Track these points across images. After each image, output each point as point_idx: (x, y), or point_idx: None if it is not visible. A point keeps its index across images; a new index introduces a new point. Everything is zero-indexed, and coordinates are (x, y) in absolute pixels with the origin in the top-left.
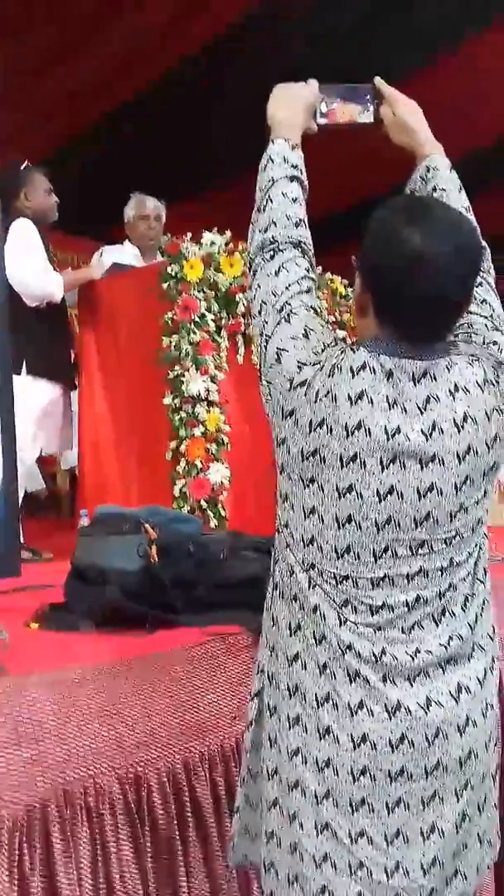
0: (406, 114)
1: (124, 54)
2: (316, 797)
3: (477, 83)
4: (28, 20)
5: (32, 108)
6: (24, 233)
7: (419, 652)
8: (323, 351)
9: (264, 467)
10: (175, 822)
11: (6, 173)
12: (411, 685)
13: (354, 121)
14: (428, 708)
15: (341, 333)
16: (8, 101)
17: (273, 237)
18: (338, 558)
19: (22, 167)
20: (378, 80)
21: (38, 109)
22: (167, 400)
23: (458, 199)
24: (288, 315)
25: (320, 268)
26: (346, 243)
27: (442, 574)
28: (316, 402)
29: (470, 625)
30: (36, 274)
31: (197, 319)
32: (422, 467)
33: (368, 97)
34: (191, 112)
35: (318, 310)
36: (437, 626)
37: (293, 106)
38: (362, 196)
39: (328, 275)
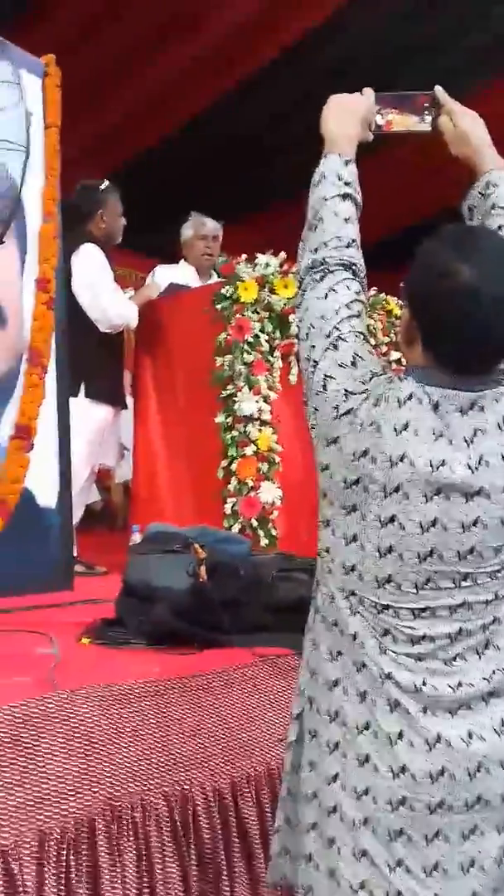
0: (467, 125)
1: (182, 78)
2: (354, 823)
3: None
4: (85, 41)
5: (97, 128)
6: (94, 260)
7: (461, 684)
8: (371, 380)
9: (316, 488)
10: (220, 840)
11: (85, 193)
12: (452, 717)
13: (411, 130)
14: (470, 741)
15: (396, 355)
16: (75, 121)
17: (323, 258)
18: (378, 587)
19: (102, 187)
20: (438, 89)
21: (103, 128)
22: (220, 419)
23: None
24: (336, 341)
25: (375, 288)
26: (404, 263)
27: (486, 606)
28: (360, 431)
29: None
30: (114, 303)
31: (251, 340)
32: (466, 500)
33: (427, 106)
34: (248, 133)
35: (367, 335)
36: (481, 658)
37: (348, 118)
38: (421, 216)
39: (383, 295)
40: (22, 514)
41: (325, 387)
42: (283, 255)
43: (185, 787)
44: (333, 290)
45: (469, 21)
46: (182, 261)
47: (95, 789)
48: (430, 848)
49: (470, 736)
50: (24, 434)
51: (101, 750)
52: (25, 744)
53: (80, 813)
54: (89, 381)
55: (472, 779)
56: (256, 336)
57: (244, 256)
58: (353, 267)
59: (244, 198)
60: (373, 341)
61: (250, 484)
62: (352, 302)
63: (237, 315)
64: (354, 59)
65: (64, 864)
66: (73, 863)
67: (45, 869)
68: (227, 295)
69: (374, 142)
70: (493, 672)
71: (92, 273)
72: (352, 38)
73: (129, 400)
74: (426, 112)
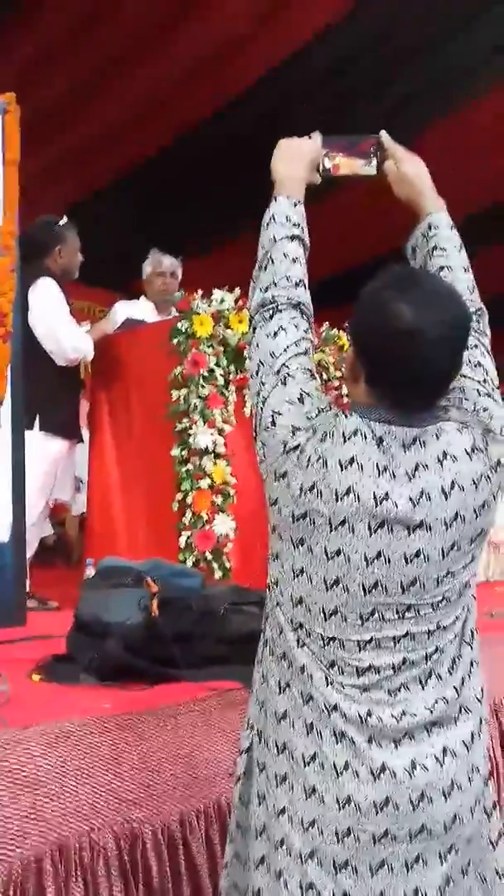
0: (410, 169)
1: (143, 109)
2: (301, 856)
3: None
4: (47, 72)
5: (53, 157)
6: (51, 294)
7: (405, 714)
8: (317, 416)
9: (266, 508)
10: (169, 878)
11: (43, 229)
12: (396, 748)
13: (357, 173)
14: (413, 771)
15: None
16: (30, 151)
17: (273, 297)
18: (325, 620)
19: (61, 223)
20: (383, 134)
21: (59, 159)
22: (175, 451)
23: (457, 259)
24: (285, 378)
25: (328, 323)
26: (350, 300)
27: (429, 637)
28: (307, 466)
29: (456, 687)
30: (70, 336)
31: (206, 374)
32: (409, 533)
33: (372, 150)
34: (204, 170)
35: (314, 372)
36: (423, 688)
37: (296, 161)
38: (375, 253)
39: (335, 331)
40: None
41: (273, 422)
42: (237, 290)
43: (135, 824)
44: (283, 329)
45: (471, 22)
46: (142, 297)
47: (43, 830)
48: (375, 879)
49: (413, 766)
50: None
51: (49, 789)
52: None
53: (26, 853)
54: (45, 414)
55: (416, 808)
56: (211, 370)
57: (200, 292)
58: (301, 306)
59: (211, 230)
60: (325, 376)
61: (205, 517)
62: (300, 340)
63: (193, 349)
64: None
65: None
66: None
67: None
68: (183, 330)
69: (322, 185)
70: (436, 702)
71: (49, 307)
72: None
73: (86, 433)
74: (372, 156)
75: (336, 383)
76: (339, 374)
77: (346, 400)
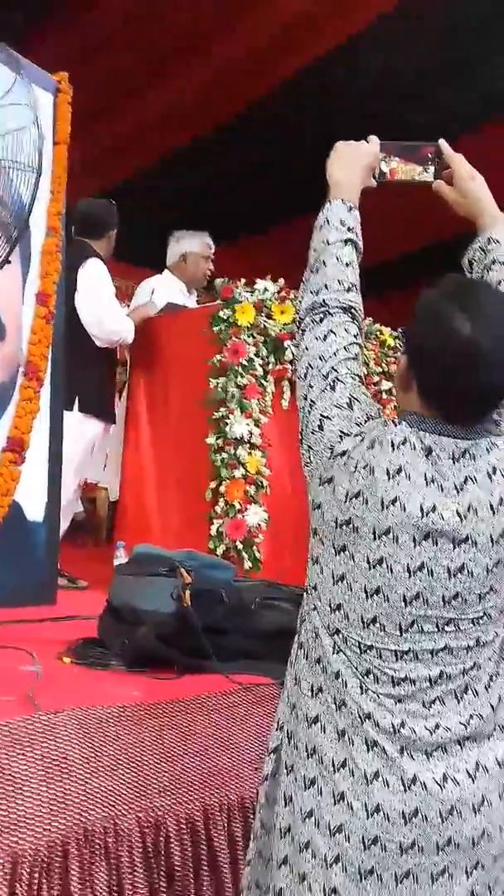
0: (472, 185)
1: (187, 99)
2: (326, 861)
3: None
4: (97, 53)
5: (104, 141)
6: (100, 276)
7: (438, 727)
8: (366, 422)
9: (302, 514)
10: (191, 869)
11: (106, 209)
12: (428, 760)
13: (415, 180)
14: (444, 784)
15: (387, 385)
16: (82, 134)
17: (324, 300)
18: (363, 628)
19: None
20: (442, 143)
21: (108, 143)
22: (210, 440)
23: None
24: (334, 382)
25: (370, 318)
26: (400, 291)
27: (467, 652)
28: (354, 472)
29: (492, 705)
30: (114, 320)
31: (245, 363)
32: (454, 547)
33: (430, 157)
34: (249, 156)
35: (363, 378)
36: (459, 703)
37: (353, 165)
38: (418, 244)
39: (377, 325)
40: (10, 526)
41: (320, 426)
42: (281, 280)
43: (159, 812)
44: (332, 332)
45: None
46: (167, 272)
47: (69, 813)
48: (400, 888)
49: (444, 779)
50: (16, 447)
51: (77, 774)
52: (2, 765)
53: (53, 836)
54: (84, 395)
55: (444, 821)
56: (251, 360)
57: (243, 280)
58: (353, 310)
59: (242, 220)
60: (365, 370)
61: (237, 506)
62: (350, 344)
63: (233, 338)
64: (361, 89)
65: (36, 886)
66: (44, 885)
67: (17, 891)
68: (225, 318)
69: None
70: (471, 717)
71: (97, 289)
72: (359, 66)
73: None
74: (430, 163)
75: (376, 378)
76: (379, 369)
77: (384, 397)
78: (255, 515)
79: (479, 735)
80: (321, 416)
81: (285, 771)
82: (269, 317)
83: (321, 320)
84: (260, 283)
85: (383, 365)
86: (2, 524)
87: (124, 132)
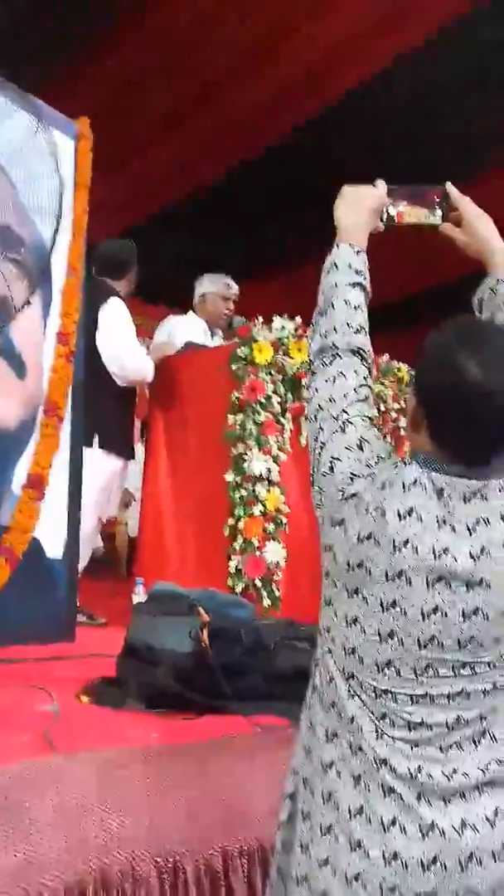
0: (480, 226)
1: (210, 140)
2: None
3: None
4: (123, 97)
5: (130, 179)
6: (121, 316)
7: (455, 773)
8: (376, 463)
9: (320, 552)
10: None
11: (126, 250)
12: (446, 806)
13: (422, 222)
14: (462, 831)
15: (405, 422)
16: (107, 174)
17: (333, 343)
18: (378, 671)
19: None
20: (449, 185)
21: (123, 184)
22: (229, 477)
23: None
24: (344, 424)
25: (387, 355)
26: (415, 328)
27: (484, 696)
28: (365, 514)
29: None
30: (135, 359)
31: (263, 400)
32: (468, 589)
33: (438, 200)
34: (265, 199)
35: (374, 420)
36: (477, 748)
37: (360, 210)
38: (433, 282)
39: (394, 362)
40: (29, 563)
41: (331, 468)
42: (298, 319)
43: (178, 857)
44: (342, 375)
45: None
46: (191, 312)
47: (86, 857)
48: None
49: (463, 826)
50: (36, 484)
51: (95, 817)
52: (18, 807)
53: (70, 879)
54: (104, 432)
55: (464, 869)
56: (269, 397)
57: (261, 319)
58: (362, 352)
59: (263, 257)
60: (382, 407)
61: (256, 543)
62: (360, 387)
63: (251, 376)
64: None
65: None
66: None
67: None
68: (243, 356)
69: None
70: (489, 763)
71: (118, 329)
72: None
73: (138, 450)
74: (437, 206)
75: (394, 415)
76: (396, 405)
77: (402, 433)
78: (275, 553)
79: (498, 781)
80: (332, 458)
81: (301, 817)
82: (286, 354)
83: (330, 363)
84: (277, 321)
85: (401, 402)
86: (21, 561)
87: (144, 173)
